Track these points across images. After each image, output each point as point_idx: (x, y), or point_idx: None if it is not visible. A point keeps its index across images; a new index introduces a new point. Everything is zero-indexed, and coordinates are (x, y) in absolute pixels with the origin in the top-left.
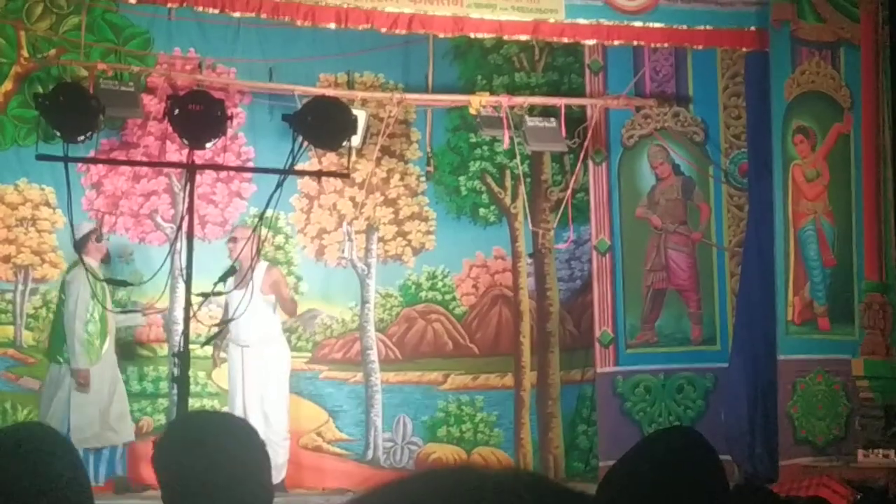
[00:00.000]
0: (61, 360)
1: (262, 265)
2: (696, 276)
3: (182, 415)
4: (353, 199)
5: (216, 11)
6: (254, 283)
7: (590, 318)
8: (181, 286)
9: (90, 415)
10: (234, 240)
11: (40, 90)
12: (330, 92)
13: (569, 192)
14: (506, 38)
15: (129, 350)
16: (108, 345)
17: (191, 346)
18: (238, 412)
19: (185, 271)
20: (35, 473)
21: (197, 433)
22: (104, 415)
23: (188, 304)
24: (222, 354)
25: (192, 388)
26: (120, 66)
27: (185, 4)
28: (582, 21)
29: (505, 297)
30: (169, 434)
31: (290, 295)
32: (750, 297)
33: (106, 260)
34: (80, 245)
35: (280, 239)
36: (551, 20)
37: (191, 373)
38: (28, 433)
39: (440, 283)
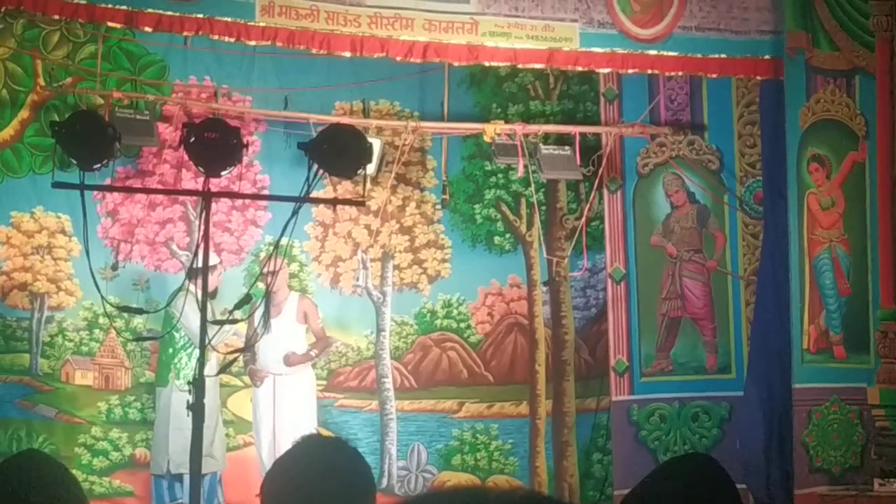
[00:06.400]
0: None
1: (293, 295)
2: (712, 305)
3: (296, 445)
4: (368, 226)
5: (232, 40)
6: (286, 313)
7: (605, 346)
8: None
9: (182, 440)
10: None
11: (56, 118)
12: (345, 120)
13: (584, 220)
14: (520, 66)
15: None
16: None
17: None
18: (267, 440)
19: (200, 299)
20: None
21: (310, 460)
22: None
23: (203, 332)
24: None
25: None
26: (136, 94)
27: (200, 33)
28: (596, 49)
29: (520, 326)
30: (282, 461)
31: (321, 326)
32: (765, 325)
33: (213, 295)
34: (191, 273)
35: (295, 267)
36: (566, 48)
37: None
38: (18, 464)
39: (455, 311)
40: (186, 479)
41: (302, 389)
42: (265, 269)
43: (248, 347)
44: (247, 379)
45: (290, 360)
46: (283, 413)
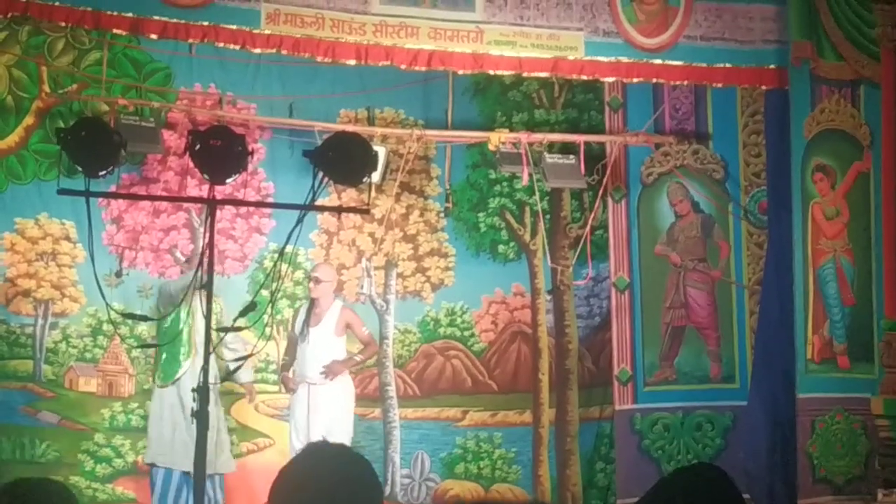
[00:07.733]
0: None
1: (336, 305)
2: (716, 314)
3: (303, 452)
4: (372, 234)
5: (237, 47)
6: (326, 323)
7: (608, 355)
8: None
9: (165, 438)
10: (316, 280)
11: (61, 125)
12: (350, 128)
13: (588, 228)
14: (525, 74)
15: None
16: (187, 370)
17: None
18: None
19: (204, 307)
20: None
21: (314, 469)
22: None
23: (207, 339)
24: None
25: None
26: (141, 101)
27: (205, 40)
28: (601, 58)
29: (524, 334)
30: (289, 469)
31: (368, 332)
32: (769, 335)
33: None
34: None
35: (299, 275)
36: (571, 57)
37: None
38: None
39: (459, 320)
40: (160, 472)
41: (338, 401)
42: (314, 275)
43: (249, 355)
44: (249, 387)
45: (334, 370)
46: (317, 423)
